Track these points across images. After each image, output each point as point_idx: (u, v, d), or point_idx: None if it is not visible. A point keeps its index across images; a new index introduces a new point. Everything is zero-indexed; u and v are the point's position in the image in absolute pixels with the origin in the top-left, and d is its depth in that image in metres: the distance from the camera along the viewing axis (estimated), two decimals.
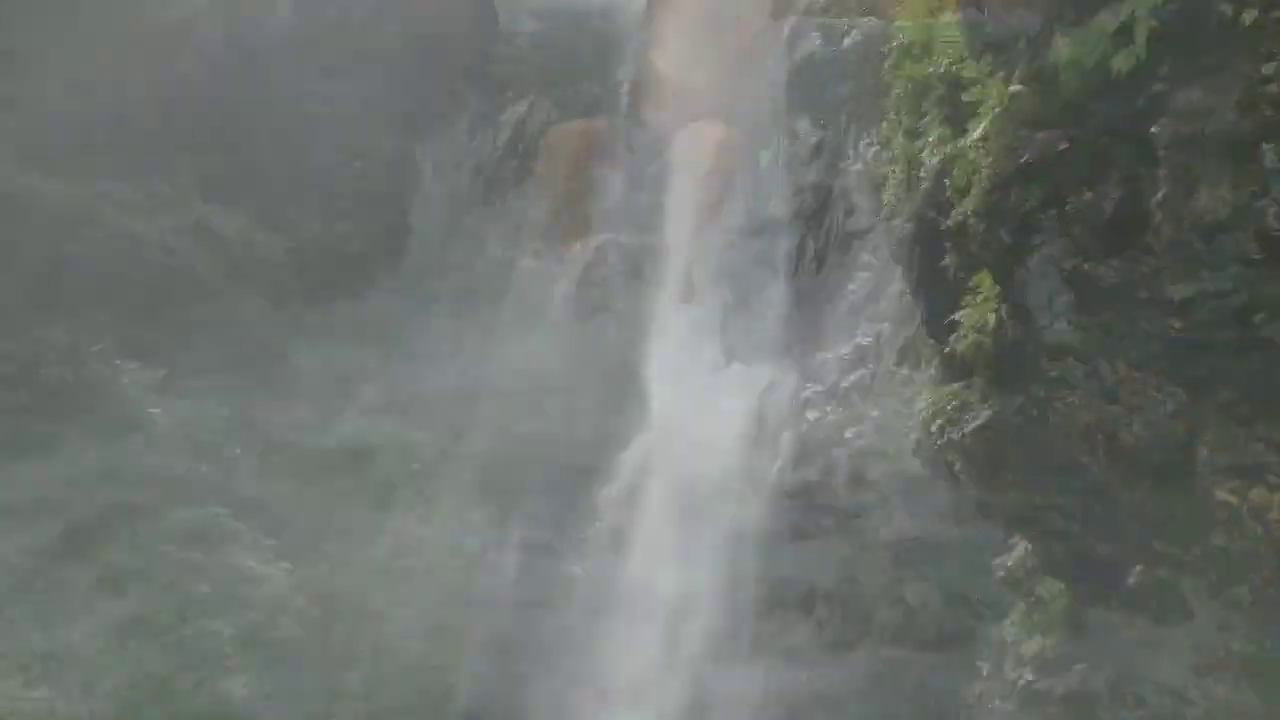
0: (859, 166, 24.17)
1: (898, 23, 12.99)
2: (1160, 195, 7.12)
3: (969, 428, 9.88)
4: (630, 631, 22.70)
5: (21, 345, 21.91)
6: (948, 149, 9.93)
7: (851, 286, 23.99)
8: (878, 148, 20.48)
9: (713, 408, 23.88)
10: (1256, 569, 7.87)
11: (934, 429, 10.76)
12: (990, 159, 8.90)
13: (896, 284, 20.21)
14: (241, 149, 25.19)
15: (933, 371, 14.72)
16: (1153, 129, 7.18)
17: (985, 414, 9.70)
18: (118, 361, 22.10)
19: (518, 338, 25.17)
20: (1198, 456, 9.04)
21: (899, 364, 22.37)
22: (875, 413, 22.63)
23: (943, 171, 9.95)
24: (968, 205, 9.30)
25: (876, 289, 23.46)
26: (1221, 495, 8.25)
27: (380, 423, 25.02)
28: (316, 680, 22.78)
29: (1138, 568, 8.99)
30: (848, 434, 22.70)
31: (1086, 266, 8.86)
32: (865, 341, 22.92)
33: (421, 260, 25.76)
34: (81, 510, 22.29)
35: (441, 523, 24.62)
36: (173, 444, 23.04)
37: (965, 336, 10.09)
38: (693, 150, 25.96)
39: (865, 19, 24.40)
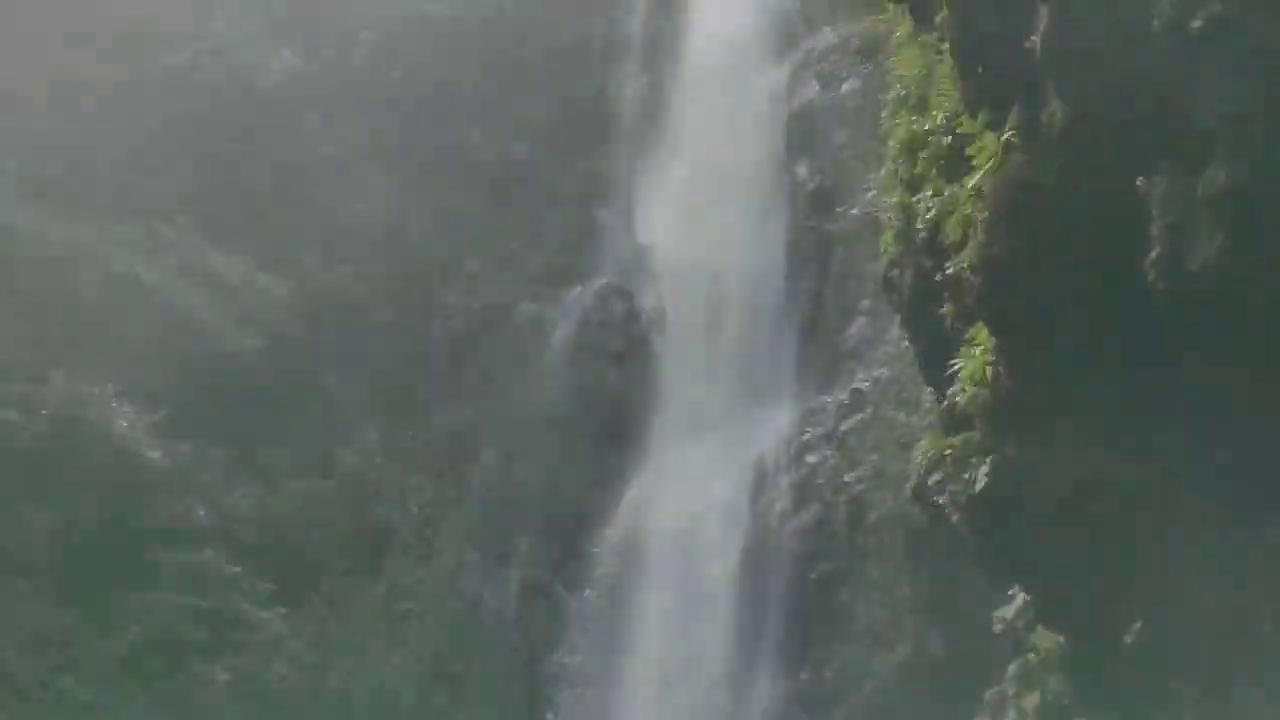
0: (857, 211, 24.36)
1: (895, 72, 13.08)
2: (1153, 253, 7.19)
3: (968, 484, 9.88)
4: (631, 674, 22.65)
5: (22, 388, 21.93)
6: (944, 202, 10.01)
7: (850, 331, 24.10)
8: (875, 192, 20.57)
9: (712, 451, 23.95)
10: (1257, 626, 7.87)
11: (932, 481, 10.75)
12: (985, 213, 8.98)
13: (895, 329, 20.30)
14: (243, 191, 25.34)
15: (931, 418, 14.73)
16: (1139, 181, 7.26)
17: (984, 469, 9.70)
18: (115, 404, 22.07)
19: (516, 380, 25.26)
20: (1196, 508, 9.05)
21: (897, 409, 22.45)
22: (874, 457, 22.69)
23: (939, 223, 10.02)
24: (964, 259, 9.36)
25: (875, 334, 23.56)
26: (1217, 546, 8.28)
27: (378, 463, 25.05)
28: None
29: (1137, 624, 8.95)
30: (847, 478, 22.77)
31: (1083, 320, 8.92)
32: (864, 386, 22.99)
33: (422, 301, 25.83)
34: (78, 553, 22.24)
35: (440, 564, 24.62)
36: (171, 486, 23.00)
37: (963, 390, 10.12)
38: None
39: (864, 66, 24.68)
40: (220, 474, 23.67)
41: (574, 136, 26.87)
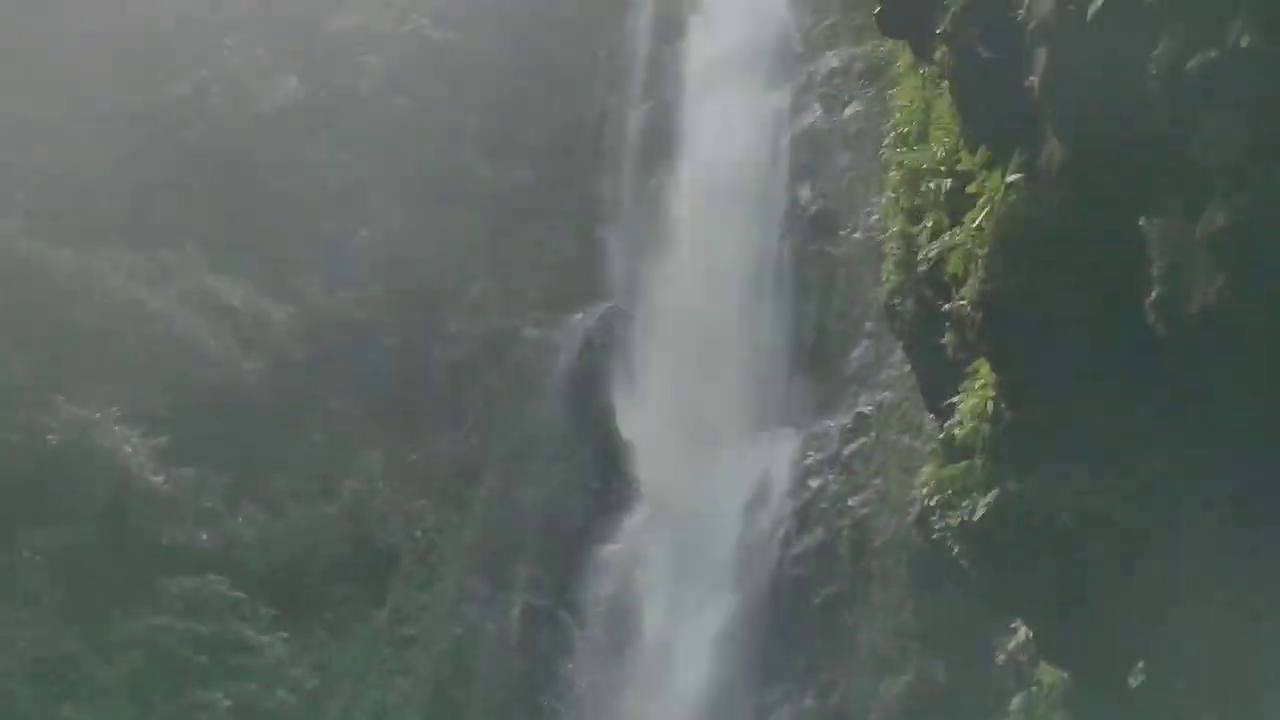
0: (860, 235, 24.37)
1: (897, 101, 13.09)
2: (1154, 295, 7.19)
3: (968, 516, 9.86)
4: (633, 700, 22.56)
5: (28, 414, 21.98)
6: (945, 237, 10.03)
7: (853, 354, 24.06)
8: (878, 216, 20.59)
9: (715, 474, 23.92)
10: (1261, 669, 7.82)
11: (935, 513, 10.73)
12: (986, 250, 8.99)
13: (898, 353, 20.28)
14: (248, 217, 25.40)
15: (934, 446, 14.70)
16: (1140, 222, 7.27)
17: (984, 503, 9.68)
18: (119, 429, 22.10)
19: (519, 405, 25.26)
20: (1198, 545, 9.03)
21: (901, 433, 22.39)
22: (878, 481, 22.63)
23: (940, 258, 10.04)
24: (965, 294, 9.36)
25: (878, 357, 23.52)
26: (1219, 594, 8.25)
27: (381, 488, 25.06)
28: None
29: (1139, 664, 8.91)
30: (850, 502, 22.71)
31: (1083, 356, 8.92)
32: (867, 410, 22.94)
33: (424, 326, 25.85)
34: (80, 578, 22.23)
35: (442, 590, 24.58)
36: (173, 510, 23.00)
37: (964, 423, 10.11)
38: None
39: (866, 89, 24.73)
40: (222, 498, 23.67)
41: (577, 161, 26.98)
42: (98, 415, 22.01)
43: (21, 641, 21.34)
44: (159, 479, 22.35)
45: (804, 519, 22.78)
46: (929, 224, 10.96)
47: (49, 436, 21.75)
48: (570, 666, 23.17)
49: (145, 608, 22.30)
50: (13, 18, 24.76)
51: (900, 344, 15.29)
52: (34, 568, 21.91)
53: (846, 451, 22.76)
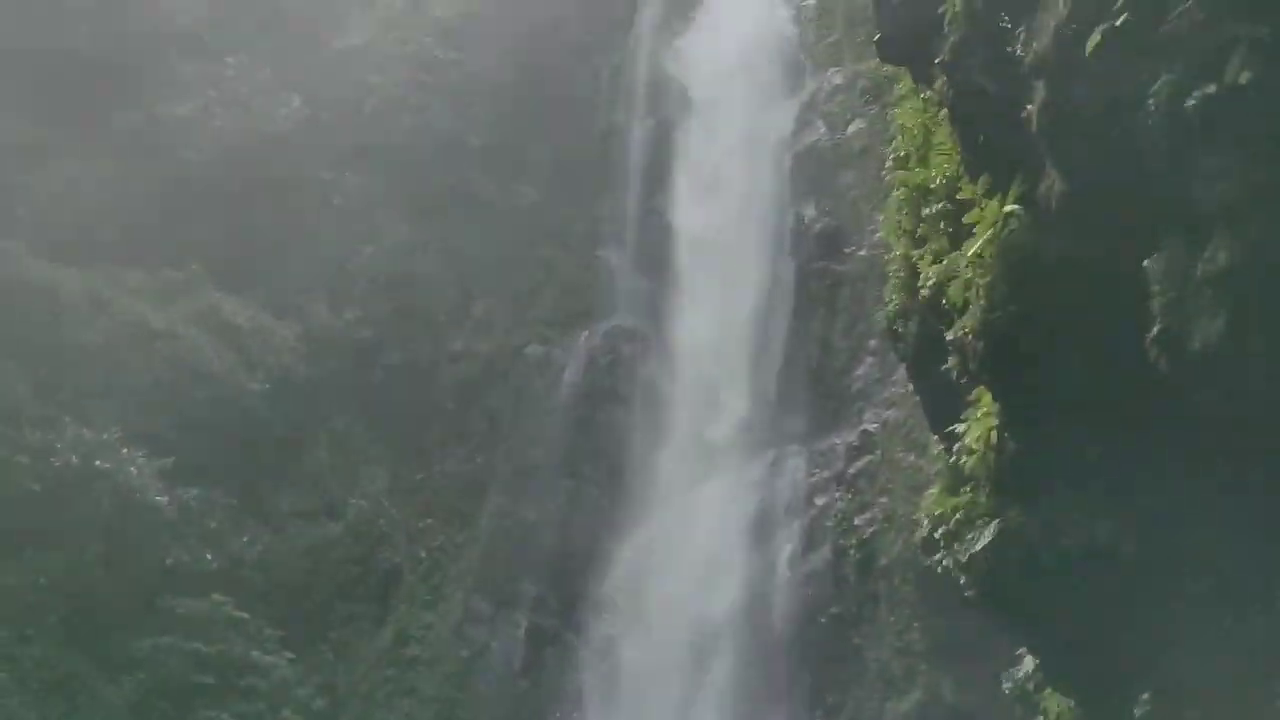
0: (864, 252, 24.31)
1: (899, 122, 13.03)
2: (1155, 330, 7.13)
3: (972, 546, 9.79)
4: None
5: (33, 434, 21.99)
6: (945, 264, 9.98)
7: (858, 371, 23.98)
8: (881, 234, 20.52)
9: (721, 494, 23.84)
10: (1267, 700, 7.75)
11: (940, 542, 10.67)
12: (986, 279, 8.94)
13: (902, 370, 20.20)
14: (252, 236, 25.44)
15: (939, 469, 14.61)
16: (1145, 263, 7.22)
17: (987, 533, 9.62)
18: (124, 450, 22.09)
19: (523, 423, 25.21)
20: (1201, 576, 8.95)
21: (906, 451, 22.29)
22: (884, 500, 22.54)
23: (940, 288, 9.99)
24: (965, 324, 9.31)
25: (883, 374, 23.44)
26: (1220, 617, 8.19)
27: (386, 508, 25.01)
28: None
29: (1145, 695, 8.84)
30: (857, 521, 22.61)
31: (1084, 386, 8.85)
32: (872, 428, 22.86)
33: (429, 345, 25.83)
34: (86, 598, 22.20)
35: (447, 610, 24.52)
36: (178, 531, 22.98)
37: (968, 450, 10.05)
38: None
39: (870, 107, 24.69)
40: (227, 519, 23.66)
41: (581, 179, 26.97)
42: (103, 436, 22.03)
43: (27, 661, 21.31)
44: (163, 499, 22.35)
45: (810, 538, 22.69)
46: (931, 249, 10.90)
47: (54, 459, 21.76)
48: (576, 688, 23.10)
49: (149, 628, 22.27)
50: (11, 33, 24.80)
51: (903, 366, 15.22)
52: (38, 588, 21.90)
53: (852, 470, 22.69)
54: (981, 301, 9.10)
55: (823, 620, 21.72)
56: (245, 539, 23.64)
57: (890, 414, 22.50)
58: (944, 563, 11.11)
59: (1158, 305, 7.12)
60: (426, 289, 25.70)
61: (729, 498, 23.62)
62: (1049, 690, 10.91)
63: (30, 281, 22.97)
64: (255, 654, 22.52)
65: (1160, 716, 8.66)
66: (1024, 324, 8.71)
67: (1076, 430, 9.16)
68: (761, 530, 23.26)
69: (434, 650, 23.50)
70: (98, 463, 21.61)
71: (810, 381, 24.21)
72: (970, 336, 9.35)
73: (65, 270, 23.22)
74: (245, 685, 22.32)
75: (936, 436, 13.21)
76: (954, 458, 10.81)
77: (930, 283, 10.06)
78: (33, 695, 21.03)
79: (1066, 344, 8.61)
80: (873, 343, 23.41)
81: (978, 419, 9.96)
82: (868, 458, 22.53)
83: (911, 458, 21.59)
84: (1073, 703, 10.44)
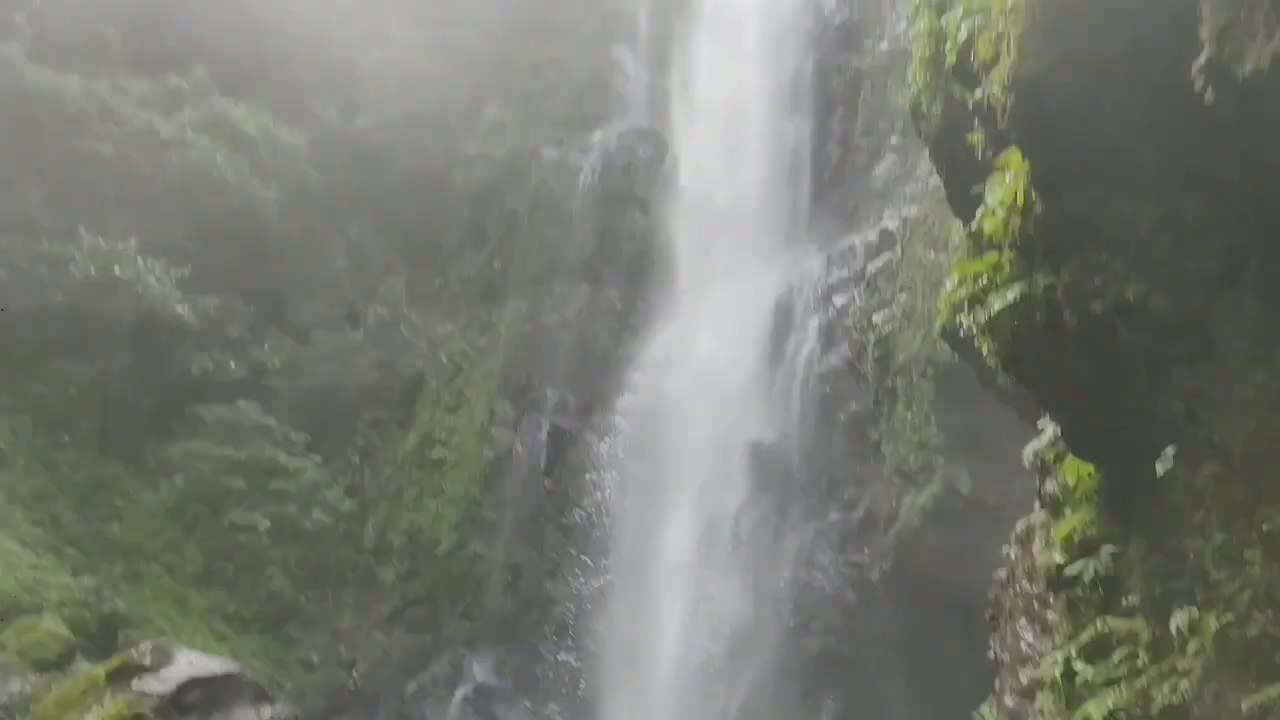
0: (886, 45, 23.51)
1: None
2: (1203, 58, 6.83)
3: (995, 307, 9.67)
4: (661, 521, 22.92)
5: (49, 245, 21.96)
6: (976, 19, 9.58)
7: (878, 170, 23.51)
8: (905, 25, 19.76)
9: (739, 294, 23.73)
10: None
11: (960, 310, 10.54)
12: (1019, 28, 8.57)
13: (924, 164, 19.77)
14: (259, 40, 24.76)
15: (959, 250, 14.41)
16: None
17: (1011, 293, 9.49)
18: (141, 260, 22.09)
19: (540, 228, 24.96)
20: (1235, 334, 8.86)
21: (926, 248, 22.01)
22: (903, 296, 22.40)
23: (970, 44, 9.60)
24: (995, 78, 8.98)
25: (904, 171, 22.97)
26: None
27: (406, 314, 25.05)
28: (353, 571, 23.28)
29: (1169, 449, 8.85)
30: (875, 319, 22.53)
31: (1122, 136, 8.58)
32: (892, 226, 22.53)
33: (443, 149, 25.39)
34: (117, 407, 22.60)
35: (470, 413, 24.83)
36: (201, 340, 23.17)
37: (993, 213, 9.83)
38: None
39: None
40: (249, 327, 23.84)
41: None
42: (119, 246, 22.01)
43: (64, 466, 21.87)
44: (184, 309, 22.48)
45: (829, 337, 22.66)
46: (959, 11, 10.46)
47: (73, 270, 21.80)
48: (598, 486, 23.51)
49: (181, 434, 22.75)
50: None
51: (927, 150, 14.83)
52: (69, 396, 22.27)
53: (871, 268, 22.48)
54: (1014, 53, 8.76)
55: (840, 417, 21.84)
56: (267, 347, 23.87)
57: (911, 210, 22.13)
58: (967, 332, 11.00)
59: (1207, 29, 6.80)
60: (437, 92, 25.12)
61: (747, 298, 23.50)
62: (1069, 459, 10.98)
63: (34, 93, 22.55)
64: (284, 458, 23.02)
65: (1182, 471, 8.70)
66: (1059, 70, 8.37)
67: (1111, 188, 8.94)
68: (780, 332, 23.22)
69: (459, 453, 23.91)
70: (117, 270, 21.67)
71: (830, 180, 23.82)
72: (1000, 92, 9.04)
73: (67, 77, 22.76)
74: (275, 489, 22.90)
75: (960, 220, 12.99)
76: (979, 224, 10.60)
77: (960, 38, 9.64)
78: (73, 498, 21.66)
79: (1104, 92, 8.29)
80: (894, 140, 22.88)
81: (1004, 182, 9.72)
82: (887, 255, 22.28)
83: (931, 254, 21.32)
84: (1093, 468, 10.51)
